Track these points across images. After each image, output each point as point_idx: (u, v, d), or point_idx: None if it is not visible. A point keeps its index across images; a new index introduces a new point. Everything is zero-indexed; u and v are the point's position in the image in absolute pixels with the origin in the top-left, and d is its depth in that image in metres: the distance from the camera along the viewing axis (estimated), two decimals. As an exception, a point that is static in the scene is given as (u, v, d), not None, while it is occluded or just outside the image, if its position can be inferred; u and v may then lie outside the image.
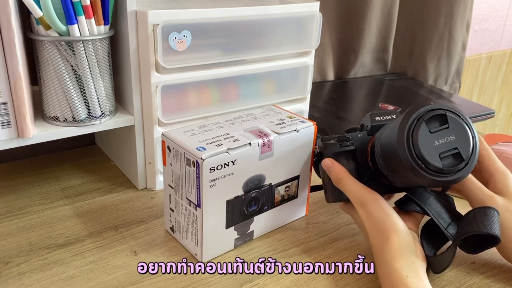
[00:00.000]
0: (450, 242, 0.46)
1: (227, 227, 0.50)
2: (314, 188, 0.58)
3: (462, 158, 0.42)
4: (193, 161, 0.45)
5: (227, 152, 0.46)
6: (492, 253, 0.53)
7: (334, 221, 0.59)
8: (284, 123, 0.53)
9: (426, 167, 0.42)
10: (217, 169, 0.46)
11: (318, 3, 0.67)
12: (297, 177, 0.55)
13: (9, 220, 0.56)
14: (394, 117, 0.51)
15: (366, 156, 0.50)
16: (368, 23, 1.03)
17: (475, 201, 0.48)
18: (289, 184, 0.55)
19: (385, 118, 0.51)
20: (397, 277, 0.42)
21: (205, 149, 0.46)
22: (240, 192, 0.50)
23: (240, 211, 0.51)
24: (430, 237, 0.49)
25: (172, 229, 0.53)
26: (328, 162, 0.51)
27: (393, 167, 0.45)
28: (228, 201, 0.49)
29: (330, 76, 1.06)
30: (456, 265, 0.51)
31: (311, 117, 0.74)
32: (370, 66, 1.12)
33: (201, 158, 0.44)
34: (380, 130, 0.49)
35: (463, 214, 0.48)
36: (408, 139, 0.42)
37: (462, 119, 0.43)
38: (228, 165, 0.47)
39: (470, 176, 0.49)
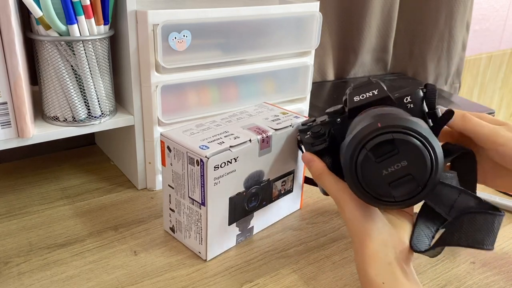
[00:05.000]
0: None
1: (229, 223, 0.50)
2: (308, 180, 0.57)
3: (418, 183, 0.37)
4: (196, 160, 0.45)
5: (229, 149, 0.46)
6: (492, 253, 0.53)
7: (334, 221, 0.59)
8: (279, 119, 0.54)
9: (375, 197, 0.38)
10: (221, 166, 0.46)
11: (318, 3, 0.67)
12: (292, 172, 0.56)
13: (9, 220, 0.56)
14: (375, 93, 0.45)
15: None
16: (368, 23, 1.03)
17: (479, 139, 0.46)
18: (285, 178, 0.55)
19: (364, 96, 0.45)
20: (374, 285, 0.40)
21: (208, 148, 0.46)
22: (242, 189, 0.50)
23: (242, 207, 0.51)
24: (429, 215, 0.45)
25: (172, 229, 0.53)
26: (308, 156, 0.48)
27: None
28: (230, 198, 0.49)
29: (330, 76, 1.06)
30: (456, 265, 0.51)
31: (311, 117, 0.73)
32: (370, 66, 1.12)
33: (206, 157, 0.45)
34: (351, 127, 0.43)
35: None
36: (352, 171, 0.38)
37: (416, 137, 0.37)
38: (230, 162, 0.47)
39: (467, 116, 0.46)
